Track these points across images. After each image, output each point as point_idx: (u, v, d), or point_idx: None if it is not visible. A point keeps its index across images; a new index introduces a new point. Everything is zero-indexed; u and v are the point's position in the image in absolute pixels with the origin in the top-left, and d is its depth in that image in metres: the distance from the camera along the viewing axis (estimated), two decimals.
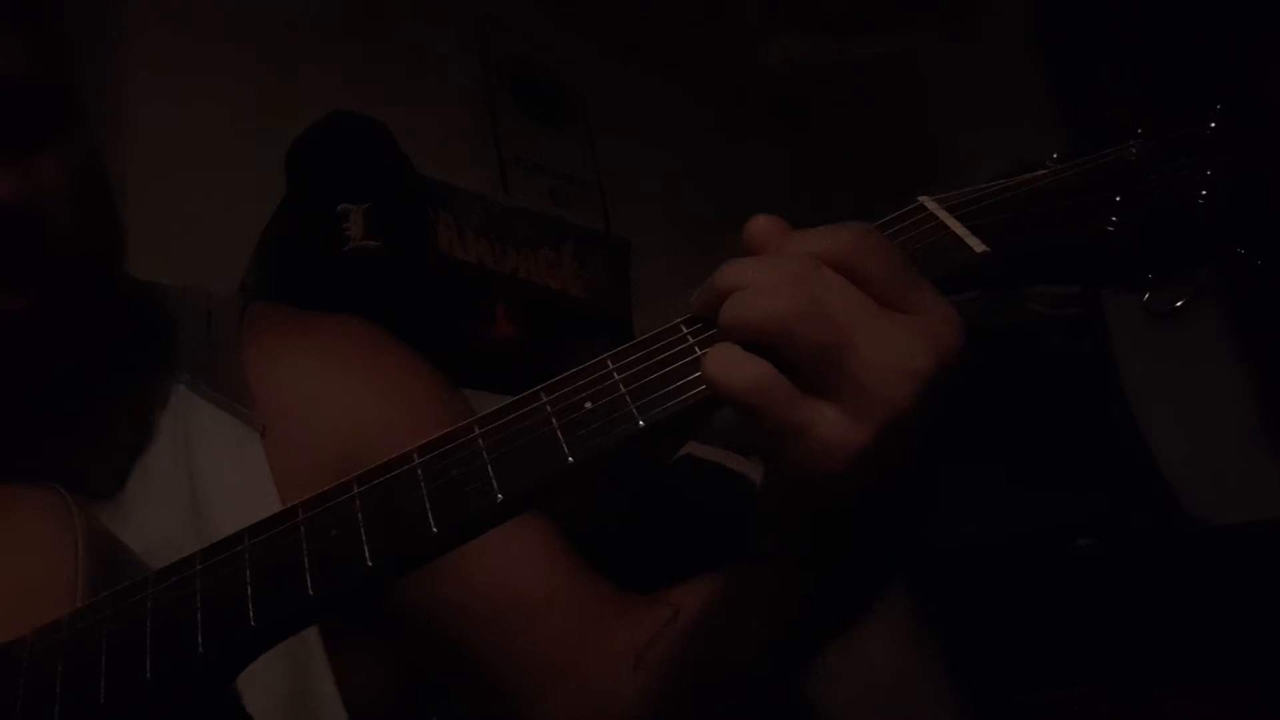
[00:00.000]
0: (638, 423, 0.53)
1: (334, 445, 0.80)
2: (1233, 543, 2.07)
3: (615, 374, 0.55)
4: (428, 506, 0.54)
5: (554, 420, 0.54)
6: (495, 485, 0.54)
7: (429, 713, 0.89)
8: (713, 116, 2.67)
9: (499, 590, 0.78)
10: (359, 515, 0.56)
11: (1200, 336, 2.28)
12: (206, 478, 0.82)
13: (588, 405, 0.54)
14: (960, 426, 0.52)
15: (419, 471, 0.56)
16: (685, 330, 0.55)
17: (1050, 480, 2.22)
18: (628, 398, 0.53)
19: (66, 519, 0.68)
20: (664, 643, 0.69)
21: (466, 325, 2.01)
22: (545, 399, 0.55)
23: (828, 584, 0.59)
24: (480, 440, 0.55)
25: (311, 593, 0.55)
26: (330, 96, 1.90)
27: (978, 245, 0.55)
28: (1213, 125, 0.57)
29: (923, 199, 0.58)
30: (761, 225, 0.55)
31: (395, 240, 1.78)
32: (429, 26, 2.30)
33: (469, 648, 0.79)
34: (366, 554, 0.54)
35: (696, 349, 0.54)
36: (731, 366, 0.51)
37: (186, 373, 0.86)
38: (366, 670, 0.83)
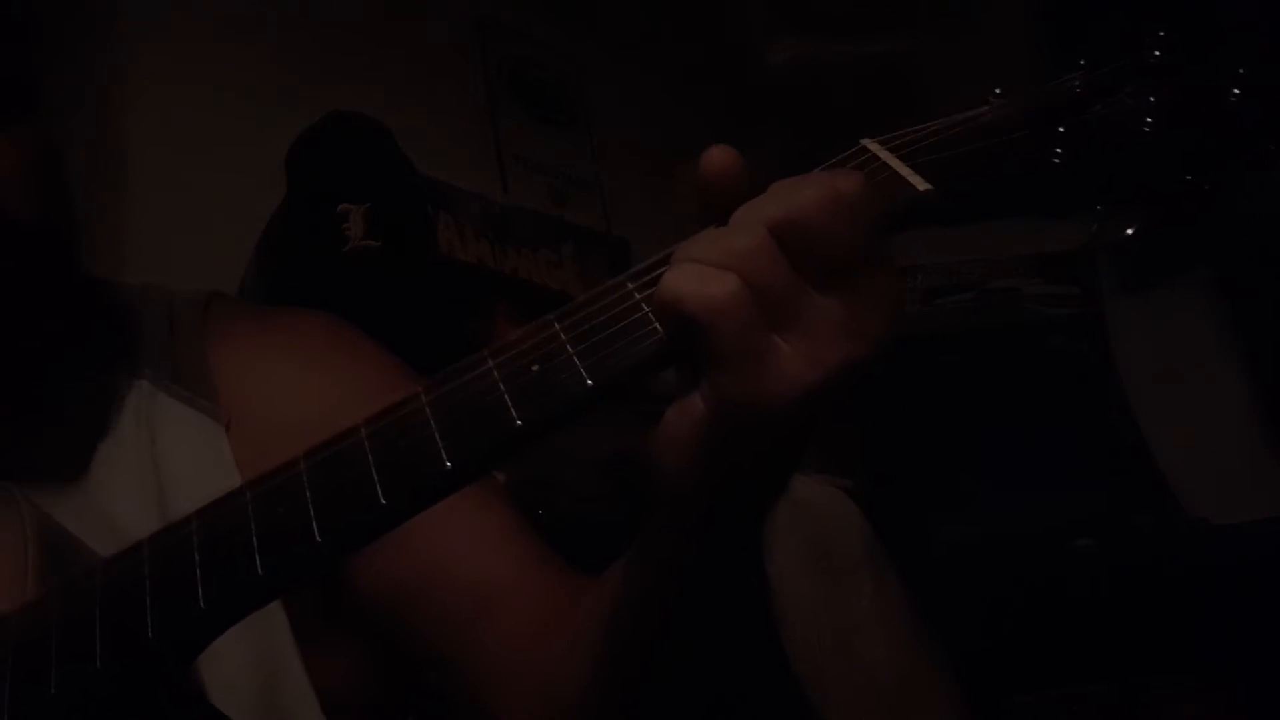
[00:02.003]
0: (586, 382, 0.52)
1: (300, 439, 0.79)
2: (1232, 543, 2.07)
3: (562, 334, 0.54)
4: (375, 478, 0.53)
5: (501, 385, 0.53)
6: (444, 453, 0.53)
7: (406, 710, 0.89)
8: (713, 116, 2.66)
9: (458, 584, 0.77)
10: (306, 491, 0.55)
11: (1200, 337, 2.28)
12: (172, 472, 0.82)
13: (535, 368, 0.53)
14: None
15: (366, 444, 0.55)
16: (630, 286, 0.54)
17: (1050, 480, 2.22)
18: (575, 358, 0.52)
19: (14, 515, 0.68)
20: (589, 617, 0.68)
21: (467, 326, 2.01)
22: (491, 363, 0.54)
23: (718, 518, 0.58)
24: (427, 409, 0.54)
25: (261, 572, 0.54)
26: (330, 96, 1.90)
27: (920, 183, 0.55)
28: (1157, 53, 0.57)
29: (864, 141, 0.58)
30: (718, 161, 0.54)
31: (395, 240, 1.78)
32: (429, 26, 2.30)
33: (430, 642, 0.78)
34: (315, 530, 0.53)
35: (643, 305, 0.53)
36: (705, 280, 0.50)
37: (149, 368, 0.86)
38: (341, 666, 0.83)
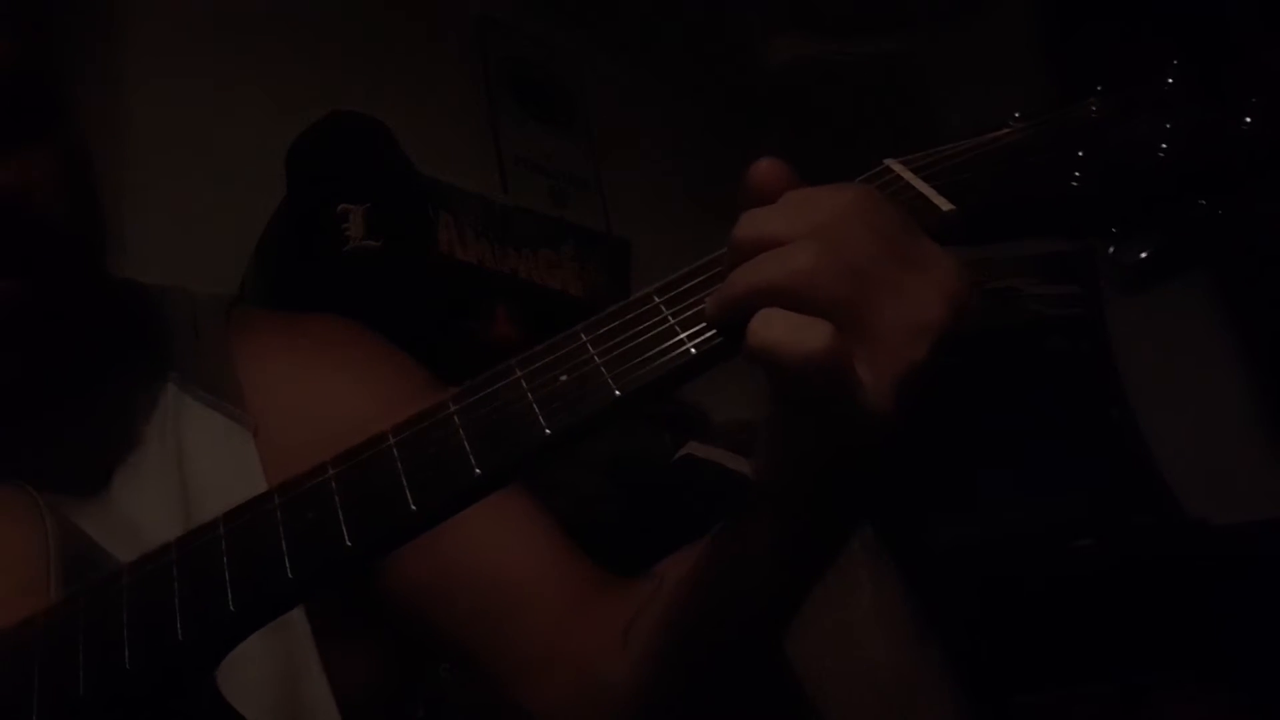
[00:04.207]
0: (614, 392, 0.53)
1: (328, 446, 0.80)
2: (1232, 543, 2.07)
3: (589, 346, 0.55)
4: (405, 484, 0.54)
5: (529, 394, 0.54)
6: (473, 460, 0.54)
7: (416, 706, 0.89)
8: (713, 116, 2.66)
9: (485, 580, 0.78)
10: (335, 497, 0.56)
11: (1200, 337, 2.28)
12: (199, 477, 0.82)
13: (562, 378, 0.54)
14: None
15: (394, 451, 0.56)
16: (657, 300, 0.55)
17: (1050, 480, 2.22)
18: (602, 368, 0.54)
19: (36, 519, 0.68)
20: (650, 612, 0.69)
21: (467, 326, 2.01)
22: (520, 373, 0.55)
23: (816, 525, 0.59)
24: (456, 417, 0.55)
25: (291, 576, 0.55)
26: (330, 96, 1.90)
27: (944, 204, 0.56)
28: (1170, 80, 0.58)
29: (888, 161, 0.59)
30: (765, 170, 0.56)
31: (395, 241, 1.78)
32: (429, 26, 2.30)
33: (457, 639, 0.79)
34: (345, 535, 0.54)
35: (670, 318, 0.54)
36: (799, 332, 0.49)
37: (176, 372, 0.86)
38: (359, 666, 0.83)
